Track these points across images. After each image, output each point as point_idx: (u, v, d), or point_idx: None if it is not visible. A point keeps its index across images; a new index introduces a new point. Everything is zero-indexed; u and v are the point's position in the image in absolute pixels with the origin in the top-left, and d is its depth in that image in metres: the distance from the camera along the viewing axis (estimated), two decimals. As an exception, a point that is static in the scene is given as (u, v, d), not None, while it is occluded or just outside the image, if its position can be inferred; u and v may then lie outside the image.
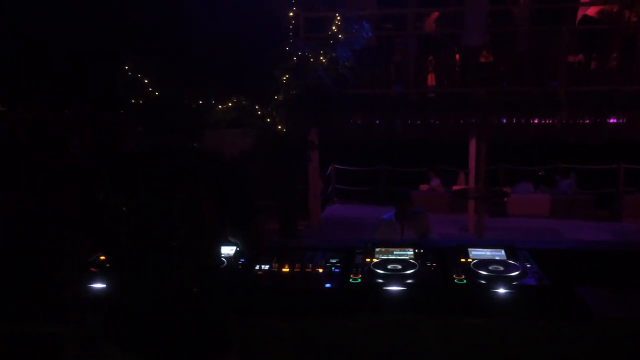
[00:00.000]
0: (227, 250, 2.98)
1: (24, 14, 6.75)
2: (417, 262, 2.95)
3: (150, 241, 2.01)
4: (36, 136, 7.62)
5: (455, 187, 11.96)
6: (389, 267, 2.91)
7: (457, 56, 8.41)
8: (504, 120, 7.52)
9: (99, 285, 2.72)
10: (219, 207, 2.04)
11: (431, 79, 8.30)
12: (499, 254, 3.09)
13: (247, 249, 2.69)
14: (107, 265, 2.16)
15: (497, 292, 2.66)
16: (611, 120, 7.20)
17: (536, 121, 7.44)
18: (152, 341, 2.01)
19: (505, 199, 11.64)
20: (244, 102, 6.93)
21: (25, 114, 7.67)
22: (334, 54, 6.83)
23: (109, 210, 2.02)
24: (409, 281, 2.78)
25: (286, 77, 6.84)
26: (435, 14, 8.55)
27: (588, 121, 7.22)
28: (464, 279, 2.78)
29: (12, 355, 2.80)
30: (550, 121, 7.37)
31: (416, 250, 3.13)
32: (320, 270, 2.91)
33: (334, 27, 6.93)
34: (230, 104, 6.87)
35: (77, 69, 6.53)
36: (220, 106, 6.81)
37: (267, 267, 2.96)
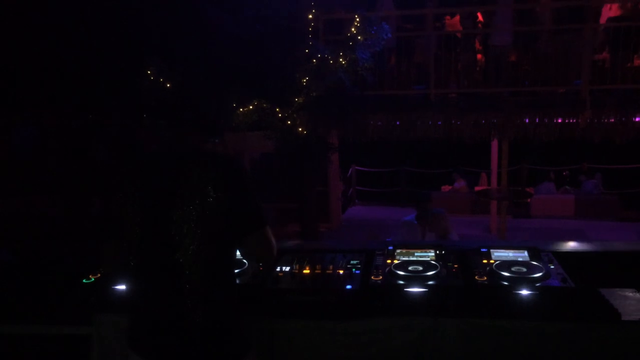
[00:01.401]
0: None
1: (49, 22, 6.88)
2: (439, 264, 2.93)
3: (157, 247, 2.02)
4: (62, 141, 7.76)
5: (477, 188, 11.86)
6: (409, 268, 2.89)
7: (479, 56, 8.35)
8: (527, 120, 7.42)
9: (122, 287, 2.77)
10: (226, 213, 2.00)
11: (452, 79, 8.25)
12: (522, 255, 3.05)
13: (256, 260, 2.62)
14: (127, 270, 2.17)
15: (519, 293, 2.63)
16: (636, 119, 7.06)
17: (559, 120, 7.32)
18: (168, 347, 2.02)
19: (529, 200, 11.50)
20: (264, 105, 6.96)
21: (52, 119, 7.82)
22: (353, 56, 6.83)
23: (120, 215, 2.03)
24: (430, 282, 2.77)
25: (306, 80, 6.85)
26: (457, 17, 8.51)
27: (612, 120, 7.09)
28: (486, 280, 2.76)
29: (37, 357, 2.85)
30: (574, 120, 7.25)
31: (437, 252, 3.11)
32: (341, 272, 2.91)
33: (353, 29, 6.94)
34: (251, 107, 6.91)
35: (101, 74, 6.64)
36: (241, 109, 6.86)
37: (287, 268, 2.97)
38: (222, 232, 2.01)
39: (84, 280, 2.93)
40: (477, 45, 8.39)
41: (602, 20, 7.76)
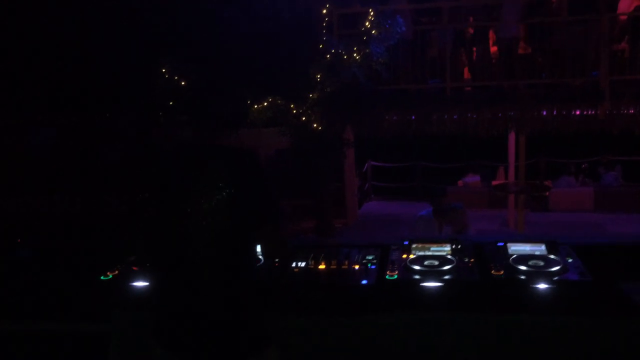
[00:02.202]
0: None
1: (64, 23, 6.97)
2: (455, 258, 2.91)
3: (173, 243, 2.03)
4: (78, 140, 7.85)
5: (494, 182, 11.76)
6: (425, 263, 2.88)
7: (496, 48, 8.25)
8: (544, 112, 7.32)
9: (140, 284, 2.79)
10: (240, 207, 1.99)
11: (467, 73, 8.17)
12: (539, 249, 3.02)
13: (267, 257, 2.63)
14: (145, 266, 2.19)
15: (537, 287, 2.60)
16: (657, 110, 6.94)
17: (578, 112, 7.22)
18: (186, 340, 2.03)
19: (547, 193, 11.38)
20: (279, 102, 6.96)
21: (69, 118, 7.92)
22: (367, 50, 6.79)
23: (138, 212, 2.05)
24: (446, 277, 2.75)
25: (320, 75, 6.84)
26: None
27: (632, 111, 6.97)
28: (502, 274, 2.74)
29: (56, 354, 2.89)
30: (593, 112, 7.15)
31: (453, 246, 3.09)
32: (357, 267, 2.91)
33: (367, 23, 6.90)
34: (265, 104, 6.91)
35: (116, 74, 6.70)
36: (255, 106, 6.86)
37: (303, 264, 2.97)
38: (237, 227, 2.02)
39: (102, 278, 2.96)
40: (492, 37, 8.29)
41: (620, 9, 7.62)
